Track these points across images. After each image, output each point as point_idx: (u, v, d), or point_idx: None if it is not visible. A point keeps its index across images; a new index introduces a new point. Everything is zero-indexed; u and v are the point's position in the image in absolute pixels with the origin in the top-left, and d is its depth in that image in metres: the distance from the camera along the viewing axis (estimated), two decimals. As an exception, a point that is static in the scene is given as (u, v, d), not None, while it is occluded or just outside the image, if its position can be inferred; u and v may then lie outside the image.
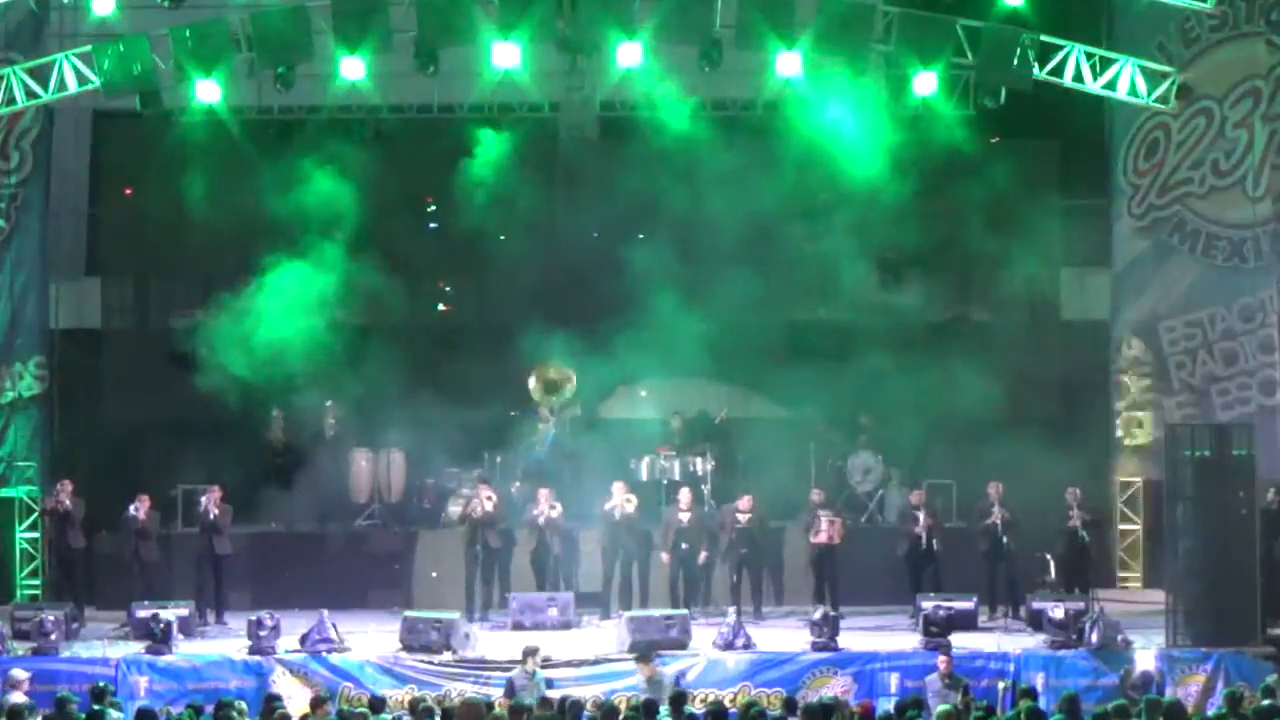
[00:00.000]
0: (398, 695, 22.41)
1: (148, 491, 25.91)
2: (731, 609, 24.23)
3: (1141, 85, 25.93)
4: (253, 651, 23.35)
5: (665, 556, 25.64)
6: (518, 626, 24.68)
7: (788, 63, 25.46)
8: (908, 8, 25.50)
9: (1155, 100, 26.07)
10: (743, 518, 25.49)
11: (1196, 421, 25.88)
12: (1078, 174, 28.61)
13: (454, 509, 26.99)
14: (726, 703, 22.11)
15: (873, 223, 27.35)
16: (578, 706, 18.68)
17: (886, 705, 20.53)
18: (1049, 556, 25.63)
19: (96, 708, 19.21)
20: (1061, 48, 25.59)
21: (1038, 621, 23.99)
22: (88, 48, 25.38)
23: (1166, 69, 26.10)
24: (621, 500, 25.56)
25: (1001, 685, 22.51)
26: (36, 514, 26.82)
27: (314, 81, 26.59)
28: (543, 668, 22.19)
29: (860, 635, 24.19)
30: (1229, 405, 26.85)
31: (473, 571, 25.72)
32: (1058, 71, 25.59)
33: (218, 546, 25.60)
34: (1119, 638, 23.41)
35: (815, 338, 28.62)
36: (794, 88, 26.42)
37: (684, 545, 25.59)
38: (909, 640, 23.98)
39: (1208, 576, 23.45)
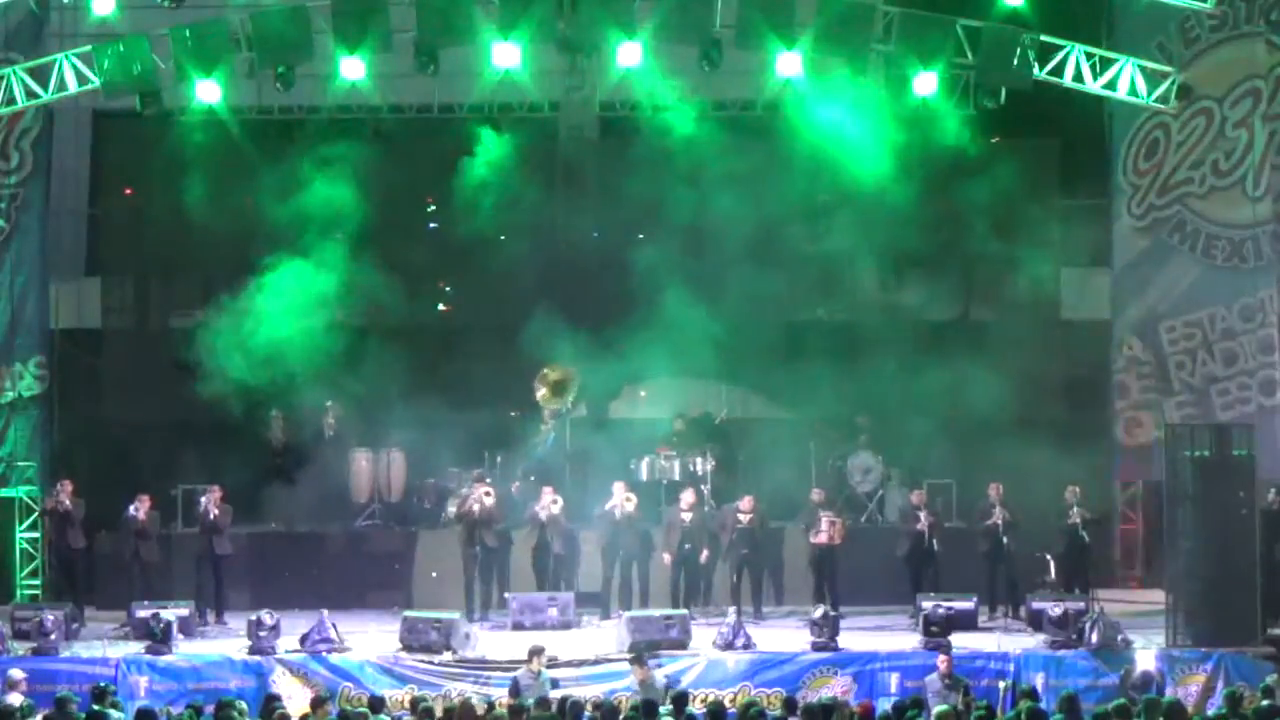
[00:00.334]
0: (398, 695, 22.42)
1: (148, 491, 25.92)
2: (731, 609, 24.23)
3: (1141, 85, 25.93)
4: (253, 651, 23.35)
5: (667, 557, 25.64)
6: (518, 626, 24.68)
7: (788, 63, 25.46)
8: (908, 8, 25.50)
9: (1155, 100, 26.06)
10: (744, 518, 25.49)
11: (1196, 421, 25.87)
12: (1078, 174, 28.61)
13: (453, 509, 26.99)
14: (726, 703, 22.13)
15: (873, 223, 27.36)
16: (578, 707, 18.68)
17: (886, 705, 20.51)
18: (1049, 556, 25.64)
19: (97, 708, 19.21)
20: (1061, 48, 25.59)
21: (1038, 621, 23.99)
22: (88, 48, 25.38)
23: (1166, 69, 26.10)
24: (621, 499, 25.56)
25: (1002, 685, 22.51)
26: (36, 514, 26.81)
27: (314, 81, 26.60)
28: (547, 668, 22.17)
29: (860, 635, 24.19)
30: (1229, 405, 26.84)
31: (471, 571, 25.72)
32: (1058, 71, 25.59)
33: (218, 546, 25.60)
34: (1119, 638, 23.42)
35: (815, 338, 28.64)
36: (794, 88, 26.43)
37: (686, 545, 25.59)
38: (909, 640, 23.98)
39: (1208, 576, 23.46)
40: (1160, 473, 25.10)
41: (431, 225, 29.32)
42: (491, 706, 20.48)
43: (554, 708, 18.94)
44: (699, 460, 27.38)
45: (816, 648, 23.42)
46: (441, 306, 29.92)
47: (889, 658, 23.31)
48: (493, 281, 28.37)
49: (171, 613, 23.89)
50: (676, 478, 27.12)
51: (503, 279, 28.32)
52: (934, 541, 25.38)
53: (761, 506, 25.73)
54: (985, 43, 25.31)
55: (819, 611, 23.83)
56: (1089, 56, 25.73)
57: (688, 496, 25.73)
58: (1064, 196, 28.58)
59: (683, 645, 23.45)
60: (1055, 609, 23.63)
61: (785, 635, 24.38)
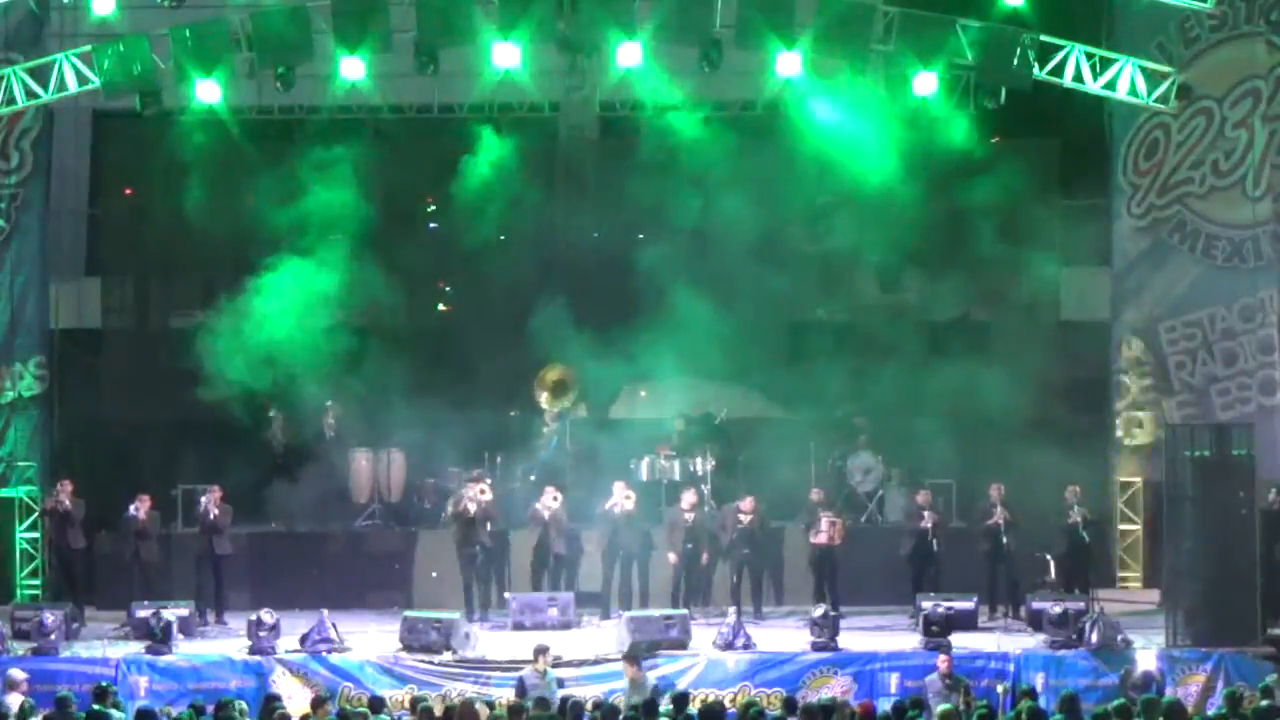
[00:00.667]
0: (398, 695, 22.42)
1: (148, 491, 25.92)
2: (731, 609, 24.23)
3: (1141, 85, 25.92)
4: (253, 651, 23.35)
5: (673, 556, 25.64)
6: (518, 626, 24.68)
7: (788, 63, 25.46)
8: (908, 8, 25.50)
9: (1155, 100, 26.06)
10: (744, 518, 25.49)
11: (1196, 421, 25.88)
12: (1078, 174, 28.60)
13: (449, 509, 26.97)
14: (726, 703, 22.13)
15: (873, 223, 27.38)
16: (578, 707, 18.67)
17: (886, 705, 20.51)
18: (1049, 556, 25.64)
19: (98, 708, 19.20)
20: (1061, 48, 25.58)
21: (1038, 621, 23.99)
22: (88, 48, 25.38)
23: (1166, 69, 26.10)
24: (621, 498, 25.56)
25: (1001, 688, 22.50)
26: (36, 514, 26.80)
27: (314, 81, 26.59)
28: (551, 667, 22.16)
29: (860, 635, 24.19)
30: (1229, 405, 26.85)
31: (469, 571, 25.71)
32: (1058, 71, 25.59)
33: (218, 546, 25.60)
34: (1119, 638, 23.42)
35: (816, 338, 28.64)
36: (794, 88, 26.44)
37: (689, 545, 25.60)
38: (909, 640, 23.98)
39: (1208, 576, 23.46)
40: (1160, 473, 25.10)
41: (431, 225, 29.30)
42: (491, 706, 20.49)
43: (554, 708, 18.93)
44: (699, 460, 27.38)
45: (816, 648, 23.42)
46: (441, 306, 29.91)
47: (889, 658, 23.31)
48: (492, 281, 28.36)
49: (171, 613, 23.88)
50: (677, 478, 27.12)
51: (503, 279, 28.31)
52: (937, 541, 25.38)
53: (762, 507, 25.73)
54: (985, 43, 25.31)
55: (819, 611, 23.82)
56: (1089, 56, 25.73)
57: (689, 497, 25.72)
58: (1064, 196, 28.57)
59: (683, 645, 23.44)
60: (1055, 609, 23.63)
61: (785, 635, 24.38)
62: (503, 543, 26.26)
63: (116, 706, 19.82)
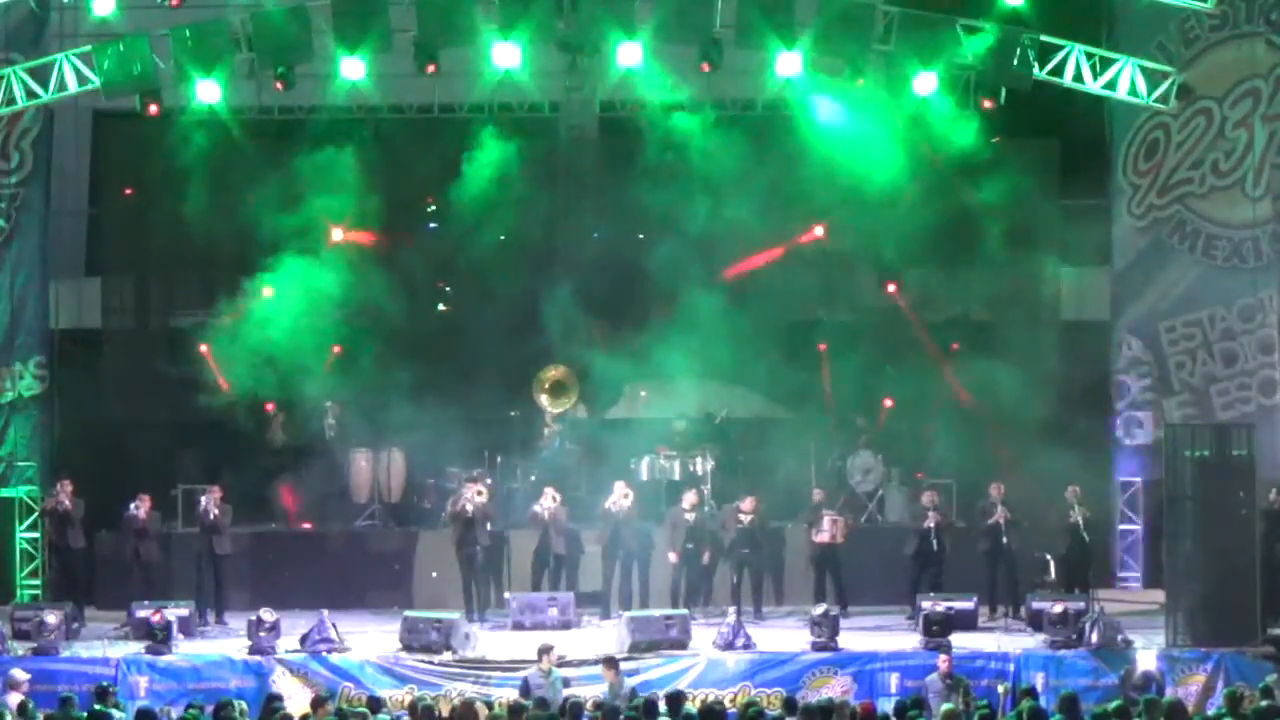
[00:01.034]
0: (398, 695, 22.44)
1: (148, 491, 25.91)
2: (731, 609, 24.23)
3: (1141, 85, 25.92)
4: (253, 651, 23.35)
5: (674, 556, 25.64)
6: (518, 626, 24.68)
7: (788, 63, 25.45)
8: (908, 8, 25.49)
9: (1155, 100, 26.06)
10: (745, 518, 25.49)
11: (1196, 421, 25.88)
12: (1078, 174, 28.59)
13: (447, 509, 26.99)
14: (726, 703, 22.12)
15: (872, 223, 27.38)
16: (578, 707, 18.67)
17: (886, 705, 20.52)
18: (1049, 556, 25.65)
19: (99, 708, 19.20)
20: (1061, 48, 25.58)
21: (1038, 621, 23.99)
22: (88, 48, 25.37)
23: (1166, 69, 26.09)
24: (620, 497, 25.56)
25: (1002, 689, 22.49)
26: (36, 514, 26.78)
27: (314, 81, 26.58)
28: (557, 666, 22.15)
29: (860, 635, 24.19)
30: (1229, 405, 26.86)
31: (468, 572, 25.71)
32: (1058, 71, 25.59)
33: (218, 546, 25.60)
34: (1119, 638, 23.42)
35: (816, 338, 28.63)
36: (794, 87, 26.44)
37: (689, 545, 25.60)
38: (909, 640, 23.98)
39: (1208, 576, 23.46)
40: (1160, 473, 25.10)
41: (431, 225, 29.29)
42: (491, 707, 20.49)
43: (556, 707, 18.93)
44: (699, 460, 27.39)
45: (816, 648, 23.42)
46: (441, 306, 29.89)
47: (889, 658, 23.31)
48: (492, 282, 28.35)
49: (171, 613, 23.88)
50: (677, 478, 27.12)
51: (502, 279, 28.29)
52: (940, 541, 25.39)
53: (763, 507, 25.73)
54: (985, 43, 25.30)
55: (819, 611, 23.81)
56: (1089, 56, 25.73)
57: (690, 497, 25.72)
58: (1064, 196, 28.55)
59: (683, 645, 23.44)
60: (1055, 609, 23.63)
61: (785, 635, 24.38)
62: (502, 543, 26.27)
63: (117, 706, 19.82)
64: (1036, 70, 25.37)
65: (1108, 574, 27.34)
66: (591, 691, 21.66)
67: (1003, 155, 27.16)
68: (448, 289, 29.80)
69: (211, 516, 25.52)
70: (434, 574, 26.83)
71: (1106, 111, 27.39)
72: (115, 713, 19.25)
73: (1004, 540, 25.38)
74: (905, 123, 26.74)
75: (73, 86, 25.52)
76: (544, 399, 28.13)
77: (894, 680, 22.98)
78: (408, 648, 23.51)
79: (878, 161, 26.64)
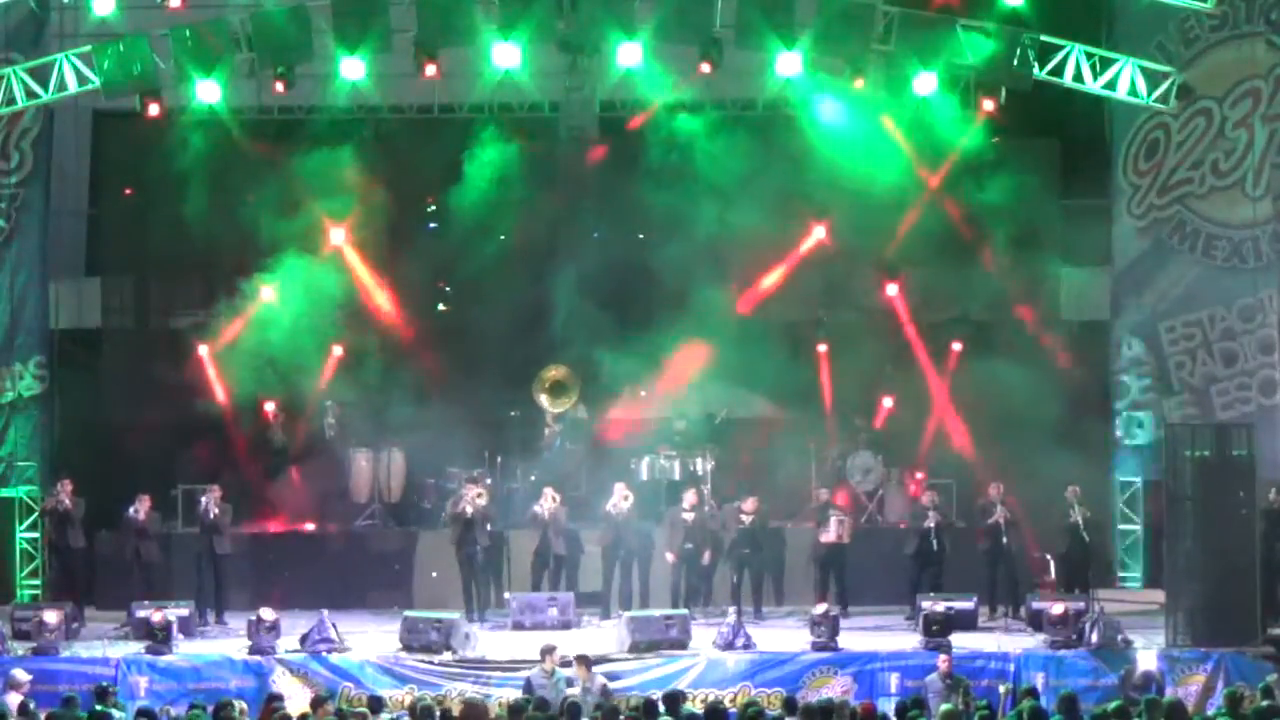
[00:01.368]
0: (398, 695, 22.43)
1: (148, 491, 25.91)
2: (731, 609, 24.23)
3: (1141, 85, 25.91)
4: (253, 651, 23.35)
5: (671, 556, 25.64)
6: (518, 626, 24.68)
7: (788, 63, 25.43)
8: (908, 8, 25.49)
9: (1155, 100, 26.04)
10: (746, 518, 25.49)
11: (1196, 421, 25.88)
12: (1078, 174, 28.60)
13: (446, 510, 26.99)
14: (726, 703, 22.12)
15: (872, 223, 27.38)
16: (576, 708, 18.67)
17: (886, 705, 20.53)
18: (1049, 556, 25.65)
19: (99, 708, 19.21)
20: (1061, 48, 25.57)
21: (1038, 621, 23.99)
22: (88, 48, 25.36)
23: (1166, 69, 26.08)
24: (619, 498, 25.56)
25: (1003, 689, 22.49)
26: (36, 514, 26.79)
27: (314, 81, 26.58)
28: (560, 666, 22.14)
29: (860, 635, 24.19)
30: (1229, 405, 26.85)
31: (468, 572, 25.71)
32: (1058, 71, 25.57)
33: (218, 546, 25.60)
34: (1119, 638, 23.42)
35: (815, 338, 28.63)
36: (794, 88, 26.44)
37: (688, 545, 25.60)
38: (909, 640, 23.98)
39: (1208, 576, 23.46)
40: (1160, 473, 25.10)
41: (431, 225, 29.29)
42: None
43: (555, 707, 18.93)
44: (699, 460, 27.39)
45: (816, 648, 23.41)
46: (441, 306, 29.90)
47: (889, 658, 23.31)
48: (492, 281, 28.35)
49: (171, 613, 23.88)
50: (677, 478, 27.12)
51: (502, 279, 28.29)
52: (940, 541, 25.39)
53: (764, 507, 25.73)
54: (985, 43, 25.29)
55: (819, 610, 23.81)
56: (1089, 56, 25.71)
57: (690, 496, 25.73)
58: (1064, 196, 28.56)
59: (683, 645, 23.44)
60: (1055, 609, 23.63)
61: (785, 635, 24.37)
62: (502, 543, 26.27)
63: (117, 706, 19.83)
64: (1036, 70, 25.35)
65: (1108, 574, 27.34)
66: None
67: (1003, 155, 27.18)
68: (448, 289, 29.80)
69: (211, 516, 25.52)
70: (434, 574, 26.82)
71: (1106, 111, 27.39)
72: (115, 713, 19.26)
73: (1004, 540, 25.39)
74: (905, 123, 26.74)
75: (73, 86, 25.51)
76: (544, 399, 28.12)
77: (894, 680, 22.98)
78: (408, 648, 23.51)
79: (878, 161, 26.67)
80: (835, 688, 22.71)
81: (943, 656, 22.04)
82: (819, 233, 28.29)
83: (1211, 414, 26.55)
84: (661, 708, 18.63)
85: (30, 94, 25.67)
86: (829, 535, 25.67)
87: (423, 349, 28.40)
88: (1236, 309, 26.89)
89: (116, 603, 25.39)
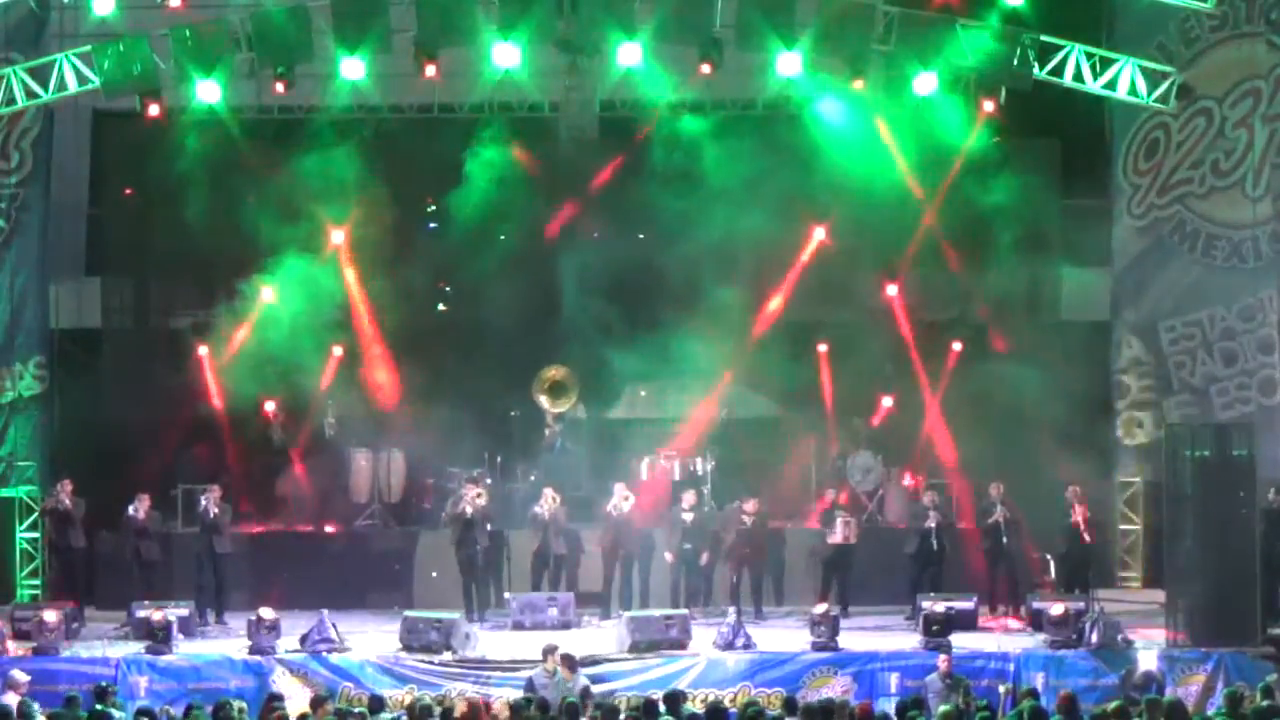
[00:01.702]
0: (398, 695, 22.41)
1: (148, 491, 25.91)
2: (731, 609, 24.23)
3: (1141, 85, 25.90)
4: (253, 651, 23.35)
5: (670, 556, 25.65)
6: (518, 626, 24.69)
7: (788, 63, 25.43)
8: (908, 8, 25.49)
9: (1155, 100, 26.03)
10: (746, 519, 25.50)
11: (1196, 421, 25.88)
12: (1078, 174, 28.60)
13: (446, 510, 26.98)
14: (726, 703, 22.11)
15: (873, 223, 27.38)
16: (574, 708, 18.67)
17: (886, 705, 20.52)
18: (1049, 556, 25.65)
19: (99, 707, 19.21)
20: (1061, 48, 25.56)
21: (1038, 621, 24.00)
22: (88, 48, 25.35)
23: (1166, 69, 26.07)
24: (619, 499, 25.57)
25: (1003, 689, 22.49)
26: (36, 514, 26.80)
27: (314, 81, 26.58)
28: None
29: (860, 635, 24.19)
30: (1229, 405, 26.85)
31: (467, 572, 25.71)
32: (1058, 71, 25.57)
33: (218, 546, 25.60)
34: (1119, 638, 23.42)
35: (816, 338, 28.63)
36: (794, 88, 26.44)
37: (687, 545, 25.61)
38: (909, 640, 23.98)
39: (1208, 576, 23.45)
40: (1160, 473, 25.10)
41: (431, 225, 29.29)
42: (489, 707, 20.46)
43: (555, 708, 18.93)
44: (700, 460, 27.39)
45: (816, 648, 23.41)
46: (441, 306, 29.89)
47: (889, 658, 23.30)
48: (492, 282, 28.35)
49: (171, 613, 23.88)
50: (677, 478, 27.13)
51: (502, 279, 28.29)
52: (940, 541, 25.40)
53: (764, 507, 25.73)
54: (985, 42, 25.29)
55: (819, 610, 23.81)
56: (1089, 56, 25.70)
57: (689, 497, 25.73)
58: (1064, 196, 28.55)
59: (683, 645, 23.44)
60: (1055, 609, 23.63)
61: (785, 635, 24.37)
62: (502, 543, 26.27)
63: (116, 706, 19.82)
64: (1036, 70, 25.35)
65: (1108, 574, 27.34)
66: (595, 691, 21.67)
67: (1003, 155, 27.17)
68: (447, 289, 29.79)
69: (211, 516, 25.53)
70: (434, 574, 26.83)
71: (1106, 111, 27.39)
72: (115, 713, 19.26)
73: (1004, 540, 25.40)
74: (905, 123, 26.74)
75: (73, 86, 25.50)
76: (544, 399, 28.13)
77: (894, 680, 22.97)
78: (408, 648, 23.51)
79: (878, 162, 26.66)
80: (835, 688, 22.70)
81: (943, 656, 22.04)
82: (819, 234, 28.28)
83: (1211, 414, 26.55)
84: (661, 708, 18.64)
85: (30, 94, 25.66)
86: (836, 536, 25.68)
87: (423, 349, 28.39)
88: (1236, 309, 26.90)
89: (116, 603, 25.39)
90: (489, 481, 26.59)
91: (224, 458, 27.68)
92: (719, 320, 26.99)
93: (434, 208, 29.13)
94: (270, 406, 27.94)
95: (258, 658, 23.23)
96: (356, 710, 19.24)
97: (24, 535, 26.89)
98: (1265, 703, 18.30)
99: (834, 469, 28.02)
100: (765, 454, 27.79)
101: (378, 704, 20.27)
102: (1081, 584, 25.40)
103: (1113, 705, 17.73)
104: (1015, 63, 25.25)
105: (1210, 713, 19.38)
